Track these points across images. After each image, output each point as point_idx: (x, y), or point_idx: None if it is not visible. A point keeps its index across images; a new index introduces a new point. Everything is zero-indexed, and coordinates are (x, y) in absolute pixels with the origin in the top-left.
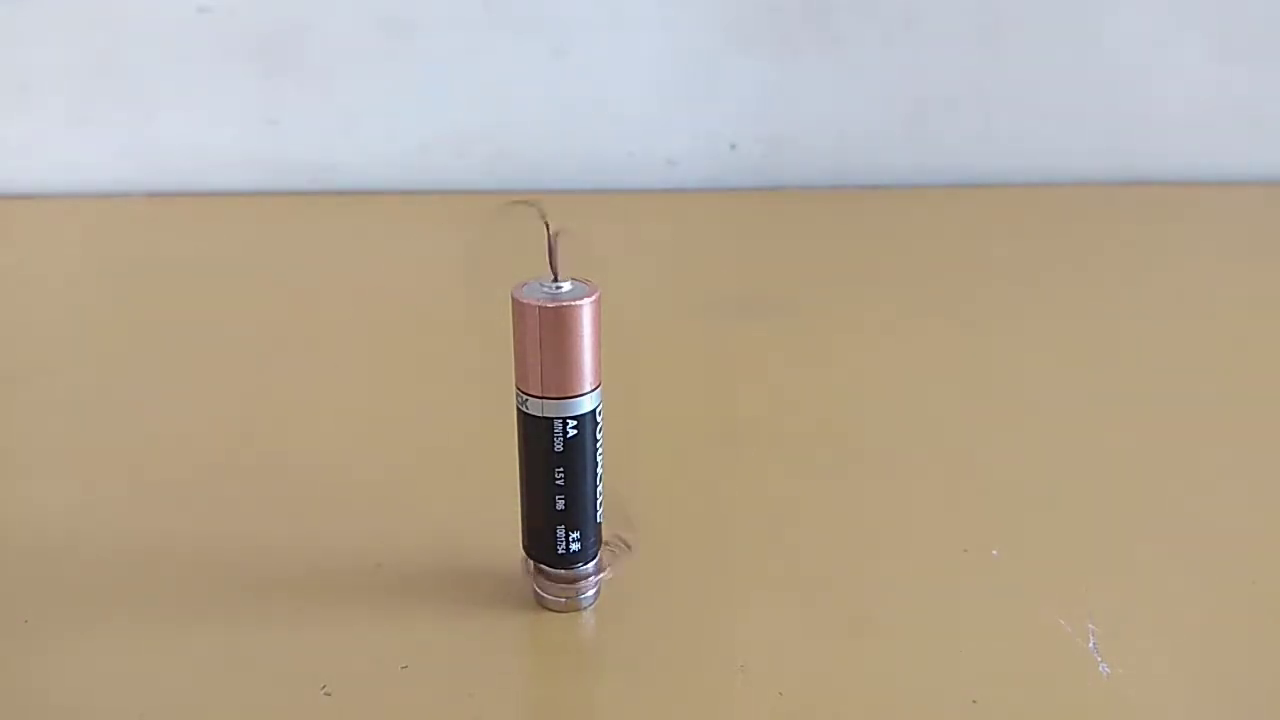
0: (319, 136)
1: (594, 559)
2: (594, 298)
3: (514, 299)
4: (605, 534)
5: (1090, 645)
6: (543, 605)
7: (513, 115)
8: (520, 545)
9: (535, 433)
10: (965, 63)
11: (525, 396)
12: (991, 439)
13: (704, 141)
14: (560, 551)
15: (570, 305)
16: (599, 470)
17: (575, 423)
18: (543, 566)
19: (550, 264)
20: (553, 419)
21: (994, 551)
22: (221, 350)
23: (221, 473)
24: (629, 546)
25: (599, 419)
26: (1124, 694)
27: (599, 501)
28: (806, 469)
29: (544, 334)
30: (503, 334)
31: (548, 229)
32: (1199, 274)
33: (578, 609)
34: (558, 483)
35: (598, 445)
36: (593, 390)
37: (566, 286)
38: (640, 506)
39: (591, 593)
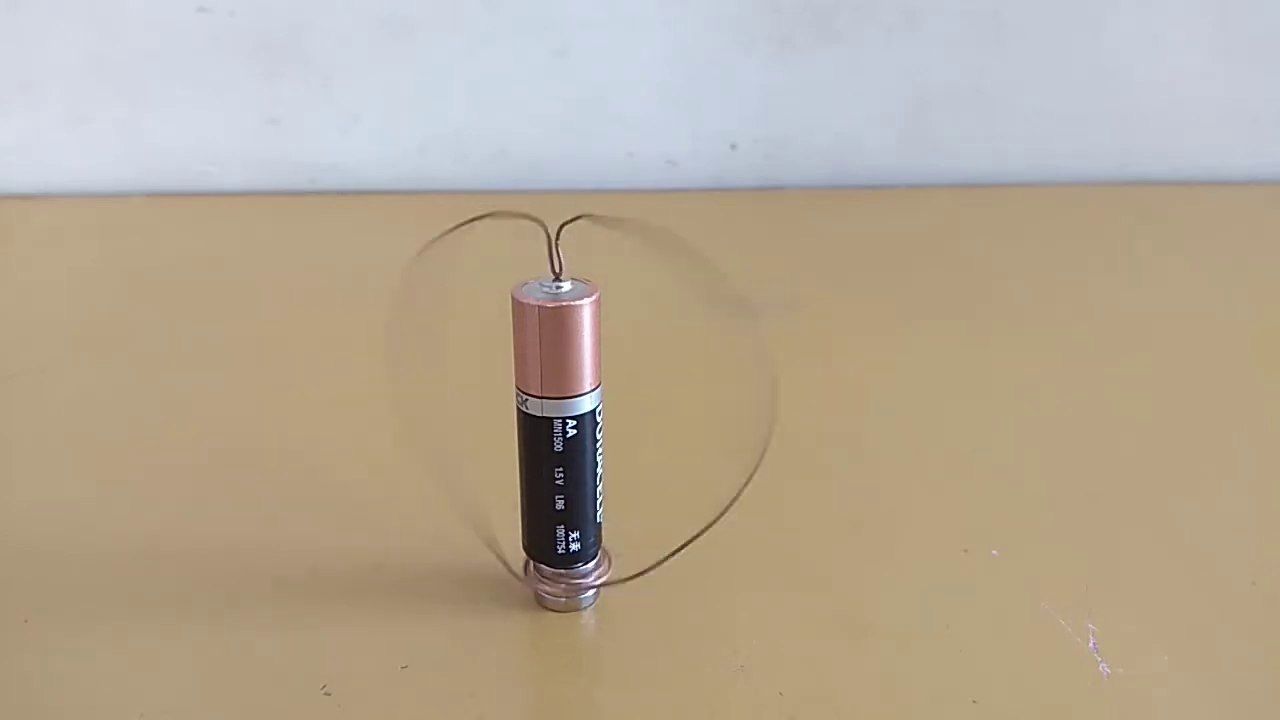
0: (319, 136)
1: (594, 559)
2: (594, 298)
3: (514, 299)
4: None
5: (1090, 645)
6: (543, 605)
7: (512, 115)
8: (520, 545)
9: (535, 433)
10: (965, 62)
11: (525, 396)
12: (991, 439)
13: (704, 141)
14: (560, 551)
15: (570, 305)
16: (599, 470)
17: (575, 423)
18: (542, 566)
19: (551, 264)
20: (553, 419)
21: (994, 551)
22: (221, 350)
23: (221, 473)
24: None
25: (599, 419)
26: (1124, 694)
27: (599, 501)
28: (806, 469)
29: (544, 334)
30: (503, 334)
31: (548, 233)
32: (1199, 274)
33: (578, 609)
34: (558, 483)
35: (598, 445)
36: (593, 390)
37: (566, 286)
38: (640, 506)
39: (591, 593)
